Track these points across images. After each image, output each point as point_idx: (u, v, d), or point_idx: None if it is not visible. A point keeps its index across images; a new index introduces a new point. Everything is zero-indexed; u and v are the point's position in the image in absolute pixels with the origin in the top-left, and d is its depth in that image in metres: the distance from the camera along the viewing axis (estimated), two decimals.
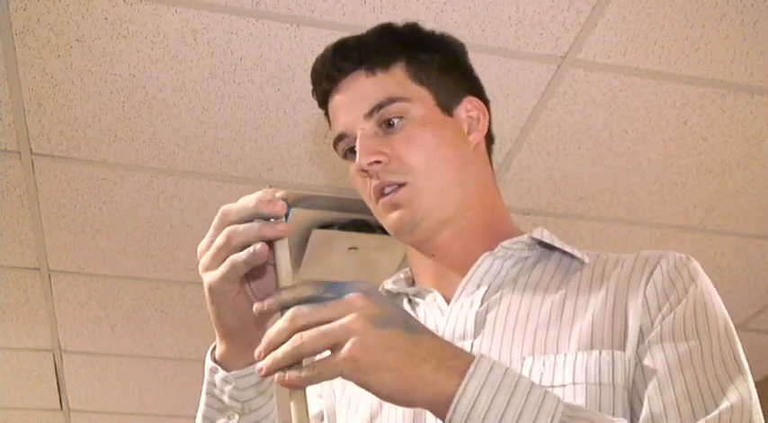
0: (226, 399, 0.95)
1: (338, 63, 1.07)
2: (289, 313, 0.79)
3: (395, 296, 1.10)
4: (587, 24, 1.87)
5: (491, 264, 1.03)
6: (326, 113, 1.12)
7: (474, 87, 1.13)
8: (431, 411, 0.79)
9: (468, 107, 1.10)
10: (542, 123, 2.14)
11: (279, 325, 0.79)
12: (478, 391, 0.77)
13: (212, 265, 0.86)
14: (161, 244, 2.54)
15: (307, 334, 0.77)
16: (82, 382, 3.31)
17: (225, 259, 0.85)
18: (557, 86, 2.03)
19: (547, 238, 1.04)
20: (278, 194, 0.86)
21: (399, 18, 1.74)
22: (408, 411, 0.97)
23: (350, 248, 2.48)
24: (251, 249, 0.83)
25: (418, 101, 1.05)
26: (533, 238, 1.05)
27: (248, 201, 0.85)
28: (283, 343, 0.78)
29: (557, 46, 1.92)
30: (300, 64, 1.95)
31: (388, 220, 1.04)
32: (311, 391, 1.09)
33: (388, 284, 1.12)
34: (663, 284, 0.95)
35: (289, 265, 0.84)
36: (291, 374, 0.77)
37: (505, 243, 1.04)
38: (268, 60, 1.94)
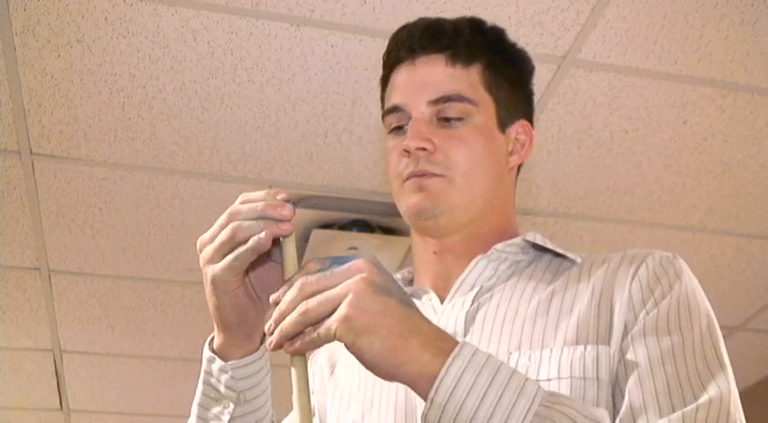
0: (222, 388, 0.96)
1: (425, 40, 1.08)
2: (297, 282, 0.81)
3: None
4: (587, 24, 1.87)
5: (485, 266, 1.05)
6: (385, 76, 1.12)
7: (530, 112, 1.15)
8: (412, 388, 0.80)
9: (519, 130, 1.12)
10: (542, 123, 2.14)
11: (288, 295, 0.81)
12: (461, 372, 0.78)
13: (215, 258, 0.88)
14: (161, 244, 2.54)
15: (312, 300, 0.79)
16: (82, 382, 3.31)
17: (228, 253, 0.87)
18: (557, 86, 2.03)
19: (539, 240, 1.06)
20: (279, 197, 0.88)
21: (399, 18, 1.75)
22: (400, 408, 0.98)
23: (350, 249, 2.48)
24: (255, 237, 0.85)
25: (482, 107, 1.07)
26: (526, 241, 1.07)
27: (256, 204, 0.87)
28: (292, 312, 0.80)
29: (557, 46, 1.92)
30: (300, 64, 1.95)
31: (409, 199, 1.05)
32: None
33: None
34: (648, 281, 0.96)
35: (295, 260, 0.87)
36: (294, 340, 0.80)
37: (498, 246, 1.05)
38: (268, 60, 1.94)
